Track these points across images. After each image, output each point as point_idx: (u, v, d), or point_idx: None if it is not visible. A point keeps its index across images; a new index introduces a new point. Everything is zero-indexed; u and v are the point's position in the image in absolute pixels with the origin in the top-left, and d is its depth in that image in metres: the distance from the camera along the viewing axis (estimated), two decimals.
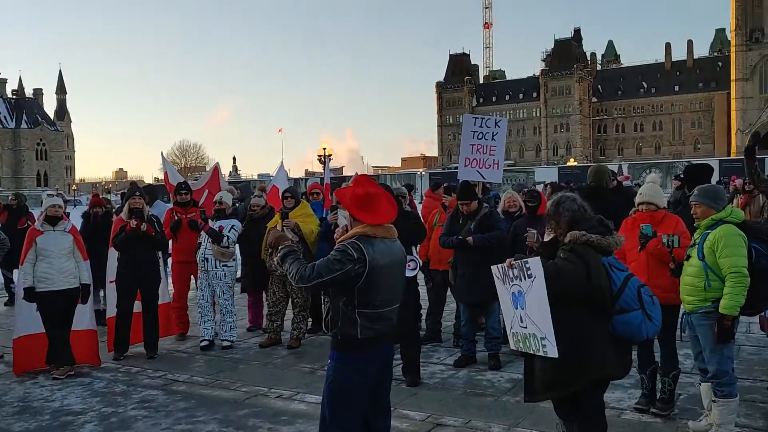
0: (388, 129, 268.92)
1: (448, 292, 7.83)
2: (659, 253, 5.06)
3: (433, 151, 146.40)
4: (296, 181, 67.33)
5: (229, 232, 8.00)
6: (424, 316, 8.10)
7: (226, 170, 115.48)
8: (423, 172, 71.73)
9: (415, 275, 6.33)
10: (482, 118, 7.98)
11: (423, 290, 7.89)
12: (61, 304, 6.86)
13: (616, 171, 11.74)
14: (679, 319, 5.09)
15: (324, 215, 8.33)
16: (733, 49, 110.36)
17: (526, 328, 3.91)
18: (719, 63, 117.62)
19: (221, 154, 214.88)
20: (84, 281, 7.03)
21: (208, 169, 10.82)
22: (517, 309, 3.98)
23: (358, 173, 11.36)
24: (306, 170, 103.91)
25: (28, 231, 7.17)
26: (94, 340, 7.34)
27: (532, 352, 3.89)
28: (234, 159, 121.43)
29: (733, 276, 4.53)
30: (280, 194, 8.65)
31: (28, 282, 6.79)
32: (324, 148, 32.85)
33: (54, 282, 6.80)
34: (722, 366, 4.73)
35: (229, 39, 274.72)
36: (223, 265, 8.00)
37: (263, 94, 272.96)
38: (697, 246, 4.79)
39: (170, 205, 9.35)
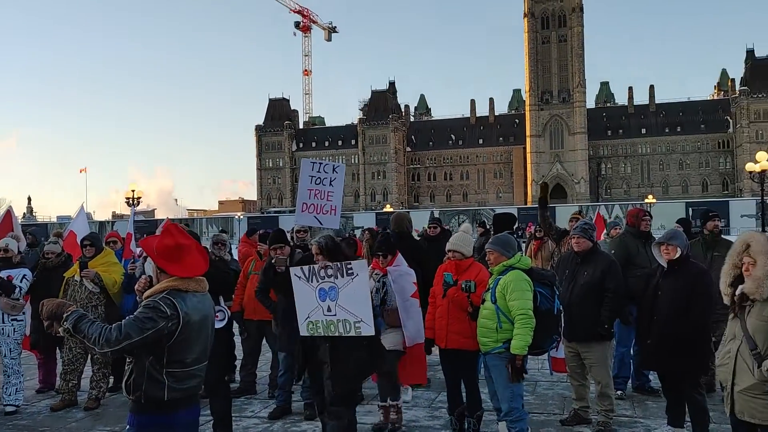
0: (206, 170, 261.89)
1: (264, 342, 7.64)
2: (459, 299, 5.40)
3: (252, 194, 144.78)
4: (102, 224, 62.82)
5: (21, 282, 7.19)
6: (238, 368, 7.81)
7: (19, 212, 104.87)
8: (241, 216, 70.43)
9: (229, 326, 6.10)
10: (320, 164, 7.98)
11: (237, 340, 7.64)
12: None
13: (436, 217, 12.35)
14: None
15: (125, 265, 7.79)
16: (527, 108, 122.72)
17: (334, 315, 4.84)
18: (516, 120, 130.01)
19: (14, 193, 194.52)
20: None
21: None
22: (324, 301, 4.88)
23: (169, 218, 10.75)
24: (113, 212, 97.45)
25: None
26: None
27: (335, 333, 4.85)
28: (29, 199, 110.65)
29: (520, 318, 4.97)
30: (79, 241, 7.95)
31: None
32: (133, 190, 30.92)
33: None
34: (513, 403, 5.13)
35: (25, 67, 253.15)
36: (12, 320, 7.15)
37: (66, 129, 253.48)
38: (490, 290, 5.19)
39: None
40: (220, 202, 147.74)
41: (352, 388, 5.08)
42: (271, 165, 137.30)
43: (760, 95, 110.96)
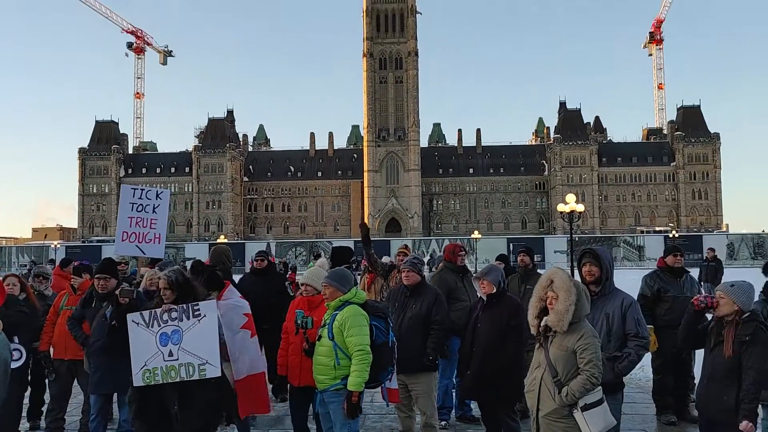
0: (21, 195, 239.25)
1: (75, 383, 7.03)
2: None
3: (73, 222, 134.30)
4: None
5: None
6: (44, 413, 7.10)
7: None
8: (58, 245, 64.93)
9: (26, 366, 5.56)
10: (142, 189, 7.58)
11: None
12: None
13: (264, 249, 12.15)
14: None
15: None
16: (365, 144, 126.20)
17: (176, 360, 4.72)
18: (355, 155, 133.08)
19: None
20: None
21: None
22: (166, 346, 4.74)
23: None
24: None
25: None
26: None
27: (176, 379, 4.70)
28: None
29: (358, 354, 4.97)
30: None
31: None
32: None
33: None
34: None
35: None
36: None
37: None
38: (327, 327, 5.15)
39: None
40: (34, 229, 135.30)
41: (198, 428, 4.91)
42: (95, 191, 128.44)
43: (570, 142, 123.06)
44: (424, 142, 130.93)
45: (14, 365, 4.92)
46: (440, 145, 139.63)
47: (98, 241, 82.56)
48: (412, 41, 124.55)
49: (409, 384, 6.43)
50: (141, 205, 7.55)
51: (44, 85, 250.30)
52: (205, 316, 4.81)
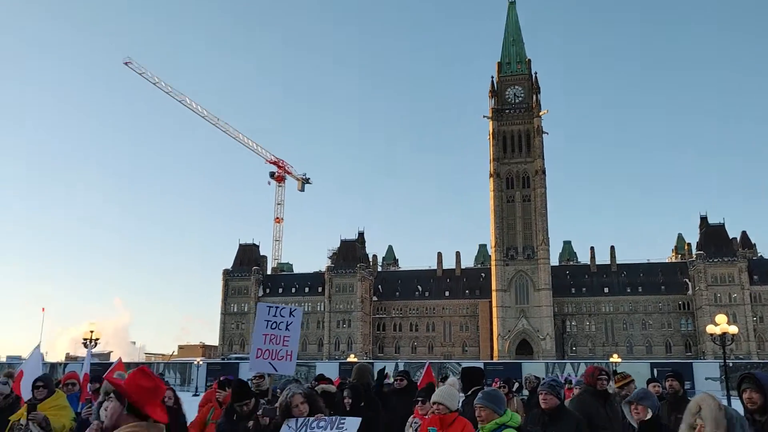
0: (168, 313, 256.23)
1: None
2: None
3: (213, 339, 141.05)
4: (53, 366, 60.08)
5: None
6: None
7: None
8: (201, 362, 68.06)
9: None
10: (276, 308, 7.86)
11: None
12: None
13: (390, 370, 12.08)
14: None
15: (80, 409, 7.42)
16: (493, 263, 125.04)
17: None
18: (482, 274, 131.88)
19: None
20: None
21: None
22: None
23: (122, 359, 10.40)
24: (67, 354, 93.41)
25: None
26: None
27: None
28: None
29: None
30: (30, 382, 7.61)
31: None
32: (92, 331, 30.00)
33: None
34: None
35: None
36: None
37: (23, 266, 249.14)
38: None
39: None
40: (180, 347, 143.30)
41: None
42: (236, 310, 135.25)
43: (714, 260, 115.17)
44: (554, 261, 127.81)
45: None
46: (572, 263, 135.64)
47: (236, 358, 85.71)
48: (539, 160, 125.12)
49: None
50: (275, 322, 7.77)
51: (196, 211, 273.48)
52: (346, 429, 5.49)
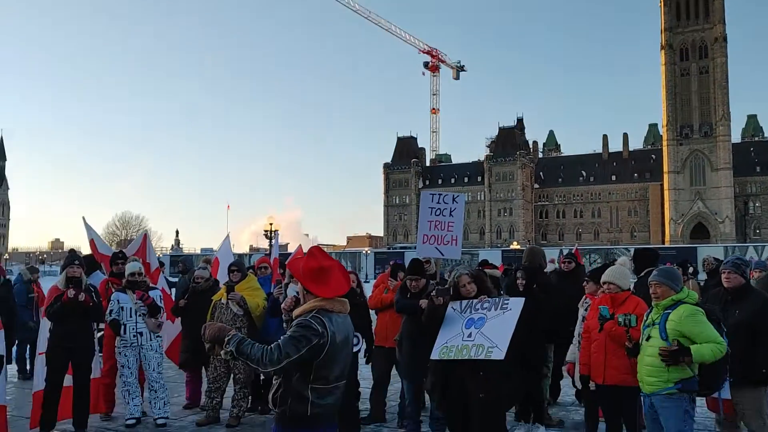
0: (334, 207, 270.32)
1: (393, 371, 7.74)
2: (616, 334, 5.19)
3: (377, 230, 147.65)
4: (240, 256, 66.44)
5: (160, 302, 7.84)
6: (367, 396, 7.95)
7: (168, 244, 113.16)
8: (368, 251, 71.91)
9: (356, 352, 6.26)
10: (440, 195, 8.01)
11: (366, 369, 7.78)
12: None
13: (571, 252, 11.92)
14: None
15: (271, 290, 8.21)
16: (664, 143, 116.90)
17: (472, 341, 5.40)
18: (652, 155, 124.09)
19: (164, 226, 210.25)
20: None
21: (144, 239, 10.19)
22: (468, 329, 5.49)
23: (301, 246, 11.24)
24: (250, 246, 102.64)
25: None
26: (4, 416, 6.88)
27: (465, 357, 5.35)
28: (177, 233, 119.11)
29: (711, 345, 4.63)
30: (227, 267, 8.51)
31: None
32: (271, 224, 32.73)
33: None
34: None
35: (177, 110, 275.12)
36: (156, 337, 7.78)
37: (209, 167, 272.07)
38: (658, 326, 4.85)
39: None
40: (349, 238, 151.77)
41: (500, 416, 5.60)
42: (397, 202, 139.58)
43: None
44: (735, 137, 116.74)
45: (354, 350, 5.61)
46: (757, 139, 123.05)
47: (401, 247, 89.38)
48: (719, 26, 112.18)
49: (733, 398, 5.81)
50: (439, 209, 7.97)
51: (355, 107, 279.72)
52: (510, 309, 5.48)
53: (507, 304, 5.56)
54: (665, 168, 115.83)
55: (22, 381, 10.41)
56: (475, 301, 5.68)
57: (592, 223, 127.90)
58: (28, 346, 10.48)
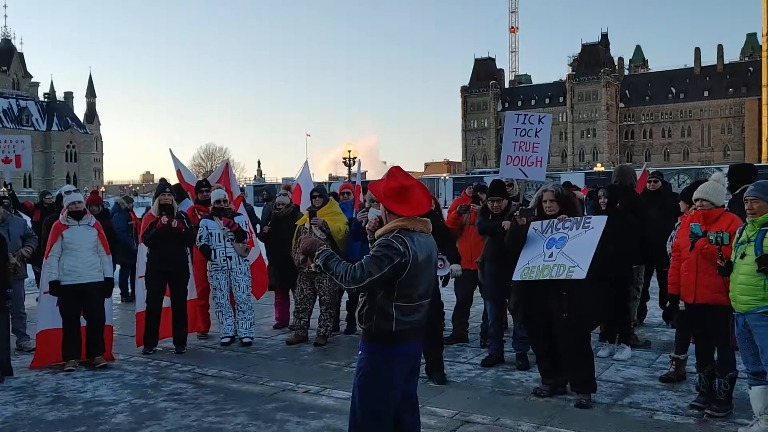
0: (412, 133, 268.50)
1: (476, 293, 7.79)
2: (708, 252, 4.99)
3: (455, 156, 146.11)
4: (319, 185, 67.57)
5: (246, 228, 8.11)
6: (449, 316, 8.06)
7: (250, 174, 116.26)
8: (447, 177, 71.51)
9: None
10: (525, 115, 7.79)
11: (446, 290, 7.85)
12: (87, 298, 6.96)
13: (657, 171, 11.43)
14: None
15: (353, 215, 8.34)
16: (764, 54, 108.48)
17: (553, 261, 5.39)
18: (750, 68, 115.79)
19: (246, 157, 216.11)
20: (108, 275, 7.12)
21: (232, 172, 10.45)
22: (549, 249, 5.46)
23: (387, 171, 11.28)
24: (329, 174, 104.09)
25: (53, 225, 7.13)
26: (111, 335, 7.41)
27: (546, 277, 5.36)
28: (258, 163, 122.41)
29: None
30: (308, 193, 8.67)
31: (54, 275, 6.88)
32: (349, 151, 32.99)
33: (80, 275, 6.90)
34: None
35: (257, 41, 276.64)
36: (245, 260, 8.08)
37: (287, 97, 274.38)
38: (753, 243, 4.64)
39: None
40: (427, 164, 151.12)
41: (584, 335, 5.58)
42: (475, 126, 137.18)
43: None
44: None
45: (439, 273, 5.65)
46: None
47: (480, 173, 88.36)
48: None
49: None
50: (524, 129, 7.74)
51: (428, 32, 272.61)
52: (592, 228, 5.42)
53: (589, 222, 5.48)
54: (764, 81, 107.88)
55: (125, 303, 11.17)
56: (555, 220, 5.62)
57: (681, 143, 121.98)
58: (130, 271, 11.15)
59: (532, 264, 5.57)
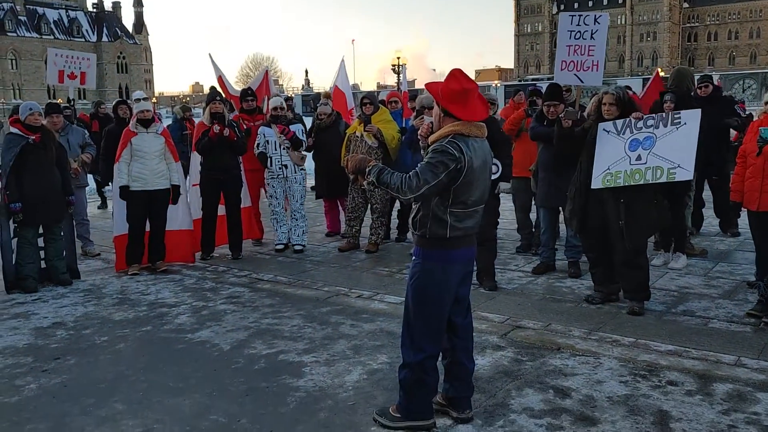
0: (462, 40, 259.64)
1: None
2: None
3: (508, 63, 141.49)
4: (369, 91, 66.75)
5: (302, 136, 8.08)
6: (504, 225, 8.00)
7: (298, 83, 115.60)
8: (498, 85, 69.61)
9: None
10: (579, 15, 7.36)
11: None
12: (154, 204, 7.17)
13: (707, 75, 10.82)
14: None
15: (402, 124, 8.21)
16: None
17: (644, 164, 5.03)
18: None
19: (294, 66, 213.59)
20: (174, 182, 7.28)
21: (275, 83, 10.37)
22: (635, 151, 5.07)
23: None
24: (377, 83, 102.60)
25: (123, 132, 7.29)
26: (189, 239, 7.66)
27: (639, 182, 5.04)
28: (306, 72, 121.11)
29: None
30: (350, 94, 8.46)
31: (123, 180, 7.09)
32: (398, 57, 32.21)
33: (147, 182, 7.09)
34: None
35: None
36: (300, 169, 8.12)
37: (336, 3, 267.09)
38: None
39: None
40: (477, 71, 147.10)
41: (641, 244, 5.46)
42: (529, 30, 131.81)
43: None
44: None
45: (493, 177, 5.54)
46: None
47: (533, 80, 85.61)
48: None
49: None
50: (579, 32, 7.32)
51: None
52: (685, 123, 5.03)
53: (678, 118, 5.05)
54: None
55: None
56: (632, 120, 5.20)
57: (748, 45, 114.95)
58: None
59: (616, 169, 5.18)
